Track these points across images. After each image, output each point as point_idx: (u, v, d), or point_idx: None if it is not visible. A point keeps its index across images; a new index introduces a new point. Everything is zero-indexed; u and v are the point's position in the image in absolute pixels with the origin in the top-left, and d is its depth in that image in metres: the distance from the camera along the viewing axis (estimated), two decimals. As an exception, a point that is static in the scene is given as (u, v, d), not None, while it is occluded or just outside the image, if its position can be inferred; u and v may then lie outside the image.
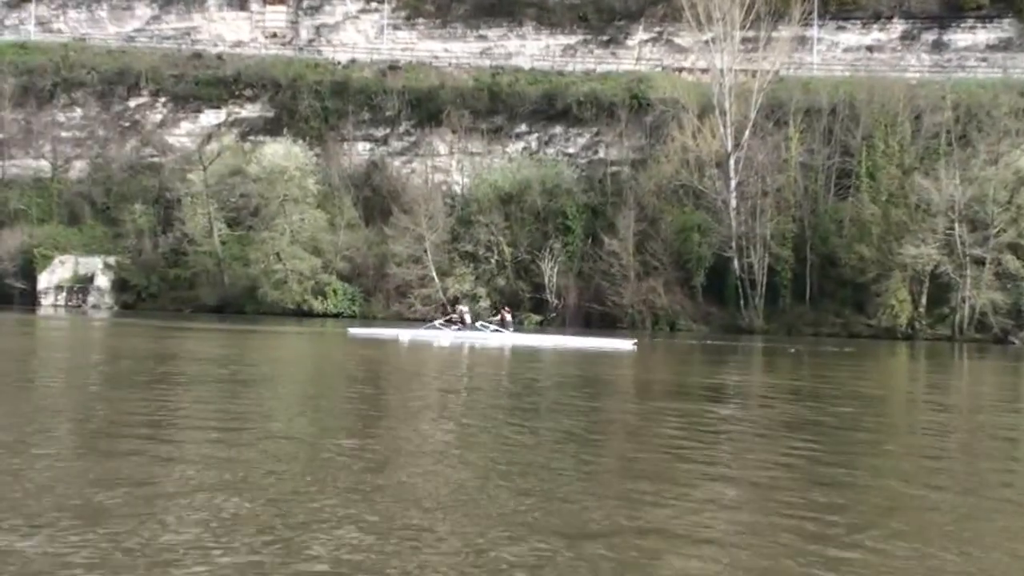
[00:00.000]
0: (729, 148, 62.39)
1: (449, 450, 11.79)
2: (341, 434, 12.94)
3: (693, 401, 18.94)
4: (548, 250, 63.44)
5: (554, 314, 63.69)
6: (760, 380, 26.90)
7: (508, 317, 41.82)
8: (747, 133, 62.17)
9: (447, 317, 42.65)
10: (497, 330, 39.53)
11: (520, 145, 72.65)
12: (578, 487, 9.50)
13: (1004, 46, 70.07)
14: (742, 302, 60.70)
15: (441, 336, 38.91)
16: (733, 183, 62.18)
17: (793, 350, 40.89)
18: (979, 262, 56.52)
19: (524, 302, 63.98)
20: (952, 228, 56.59)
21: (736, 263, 60.90)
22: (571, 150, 71.99)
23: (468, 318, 41.11)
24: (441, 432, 13.63)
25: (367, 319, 63.36)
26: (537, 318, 63.08)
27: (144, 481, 9.06)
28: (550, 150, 72.04)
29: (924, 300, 57.95)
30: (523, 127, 72.89)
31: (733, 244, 60.84)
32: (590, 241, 64.48)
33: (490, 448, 12.06)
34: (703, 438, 13.46)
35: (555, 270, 63.51)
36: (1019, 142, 58.33)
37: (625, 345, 36.36)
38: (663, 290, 61.11)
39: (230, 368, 23.68)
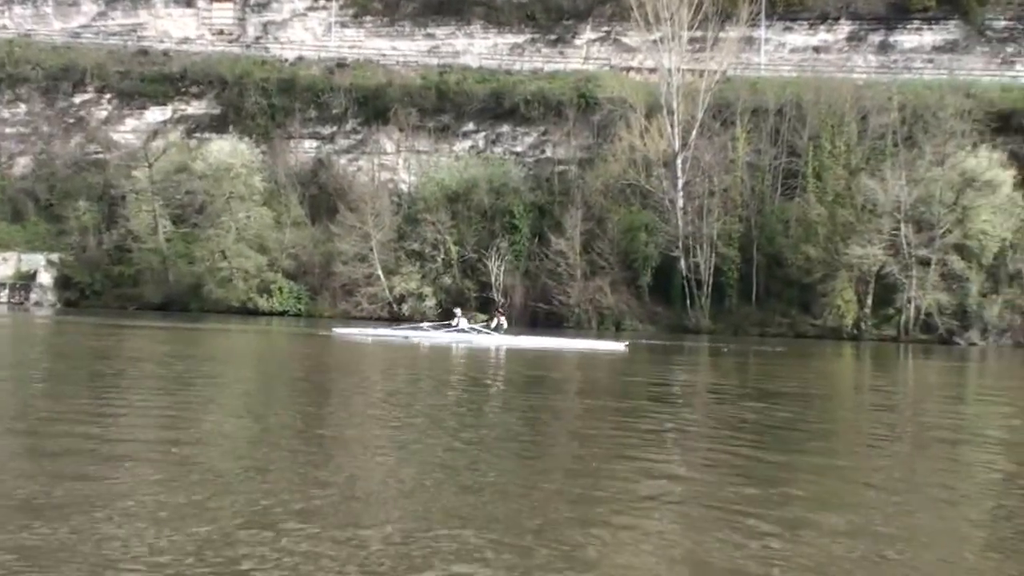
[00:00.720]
0: (676, 148, 62.23)
1: (400, 446, 11.93)
2: (293, 431, 13.09)
3: (659, 401, 19.27)
4: (495, 249, 63.08)
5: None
6: (726, 381, 27.05)
7: (503, 321, 41.38)
8: (694, 133, 61.99)
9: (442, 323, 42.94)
10: (488, 333, 39.24)
11: (467, 144, 72.23)
12: (520, 482, 9.69)
13: (950, 48, 70.19)
14: (688, 302, 60.49)
15: (433, 337, 39.08)
16: (680, 183, 62.05)
17: (726, 349, 41.52)
18: (925, 263, 56.50)
19: (470, 301, 63.20)
20: (898, 229, 56.70)
21: (683, 263, 60.70)
22: (518, 149, 71.66)
23: (464, 323, 40.88)
24: (390, 429, 13.80)
25: (313, 317, 63.34)
26: (483, 317, 61.28)
27: (83, 477, 9.07)
28: (497, 149, 71.62)
29: (870, 300, 57.90)
30: (470, 126, 72.45)
31: (680, 244, 60.69)
32: (537, 240, 64.32)
33: (440, 446, 12.11)
34: (648, 437, 13.83)
35: (502, 269, 63.07)
36: (965, 143, 58.20)
37: (618, 347, 36.37)
38: (609, 289, 60.97)
39: (192, 366, 23.61)
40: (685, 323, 59.13)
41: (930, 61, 70.35)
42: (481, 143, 72.22)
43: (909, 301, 56.92)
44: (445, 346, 37.22)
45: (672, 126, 62.35)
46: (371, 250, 64.71)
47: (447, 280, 65.13)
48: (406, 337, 38.92)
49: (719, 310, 59.75)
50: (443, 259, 65.27)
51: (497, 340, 38.32)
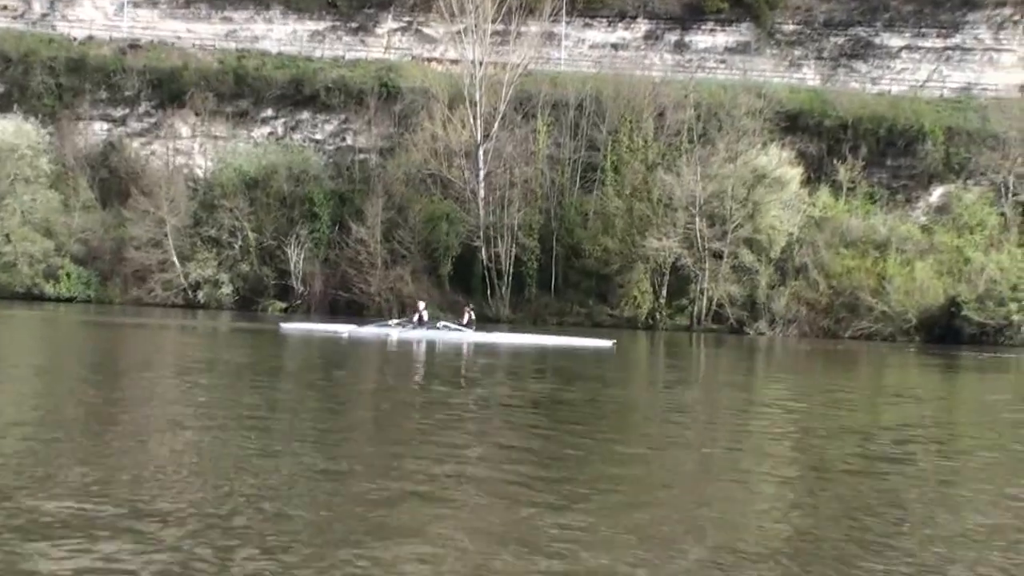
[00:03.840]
0: (478, 139, 62.40)
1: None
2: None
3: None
4: (294, 236, 62.15)
5: (299, 301, 62.85)
6: (517, 363, 27.62)
7: (472, 316, 40.06)
8: (496, 125, 62.30)
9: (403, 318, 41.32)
10: (457, 329, 37.81)
11: (266, 130, 70.97)
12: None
13: (742, 49, 72.48)
14: (489, 291, 60.88)
15: (392, 333, 37.43)
16: (482, 174, 62.39)
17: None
18: (717, 255, 57.99)
19: (268, 288, 63.42)
20: (692, 222, 57.80)
21: (484, 253, 61.09)
22: (318, 136, 70.82)
23: (426, 315, 39.17)
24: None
25: (103, 304, 61.68)
26: (282, 305, 62.43)
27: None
28: (297, 136, 70.62)
29: (665, 291, 59.23)
30: (269, 112, 71.15)
31: (481, 234, 61.11)
32: (337, 228, 63.68)
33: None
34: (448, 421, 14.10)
35: (301, 257, 62.37)
36: (756, 141, 60.11)
37: (604, 344, 35.78)
38: (410, 278, 60.62)
39: None
40: (486, 312, 58.71)
41: (723, 61, 72.62)
42: (280, 130, 71.05)
43: (702, 292, 58.41)
44: (408, 342, 35.70)
45: (474, 117, 62.40)
46: (165, 236, 63.18)
47: (245, 267, 64.08)
48: (387, 334, 37.22)
49: (519, 299, 60.36)
50: (241, 246, 64.02)
51: (469, 337, 37.06)
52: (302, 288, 63.03)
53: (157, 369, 21.75)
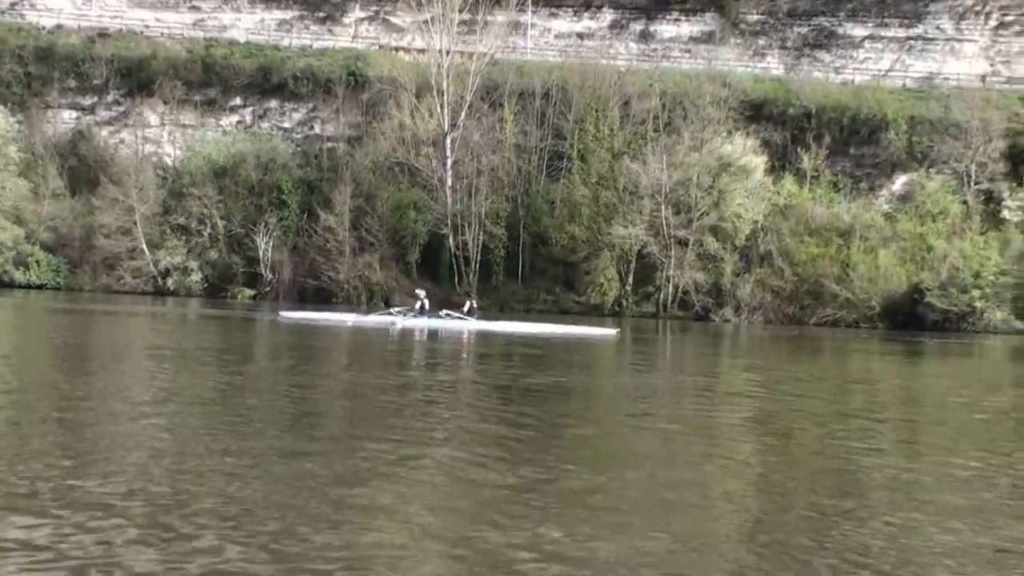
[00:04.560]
0: (446, 128, 62.62)
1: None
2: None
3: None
4: (263, 224, 62.45)
5: (268, 288, 63.05)
6: (488, 350, 28.05)
7: (473, 304, 39.42)
8: (463, 113, 62.61)
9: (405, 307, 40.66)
10: (460, 318, 37.17)
11: (235, 119, 71.00)
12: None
13: (707, 39, 72.97)
14: (456, 279, 60.94)
15: (396, 321, 37.03)
16: (449, 162, 62.63)
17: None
18: (683, 243, 58.16)
19: (237, 276, 63.50)
20: (658, 210, 58.07)
21: (451, 240, 61.40)
22: (287, 125, 70.86)
23: (427, 304, 38.72)
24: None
25: (73, 291, 61.32)
26: (251, 292, 62.67)
27: None
28: (265, 124, 70.66)
29: (631, 279, 59.49)
30: (238, 100, 71.24)
31: (448, 222, 61.34)
32: (306, 216, 63.86)
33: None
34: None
35: (270, 244, 62.63)
36: (720, 130, 60.44)
37: (608, 333, 35.71)
38: (379, 266, 61.02)
39: None
40: (453, 300, 59.26)
41: (688, 51, 73.00)
42: (249, 118, 71.09)
43: (668, 280, 58.64)
44: (410, 331, 35.03)
45: (442, 106, 62.50)
46: (135, 224, 63.22)
47: (214, 255, 64.34)
48: (392, 323, 36.67)
49: (486, 287, 60.18)
50: (210, 234, 64.44)
51: (472, 325, 36.47)
52: (271, 275, 63.23)
53: (135, 356, 21.71)
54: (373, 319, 37.71)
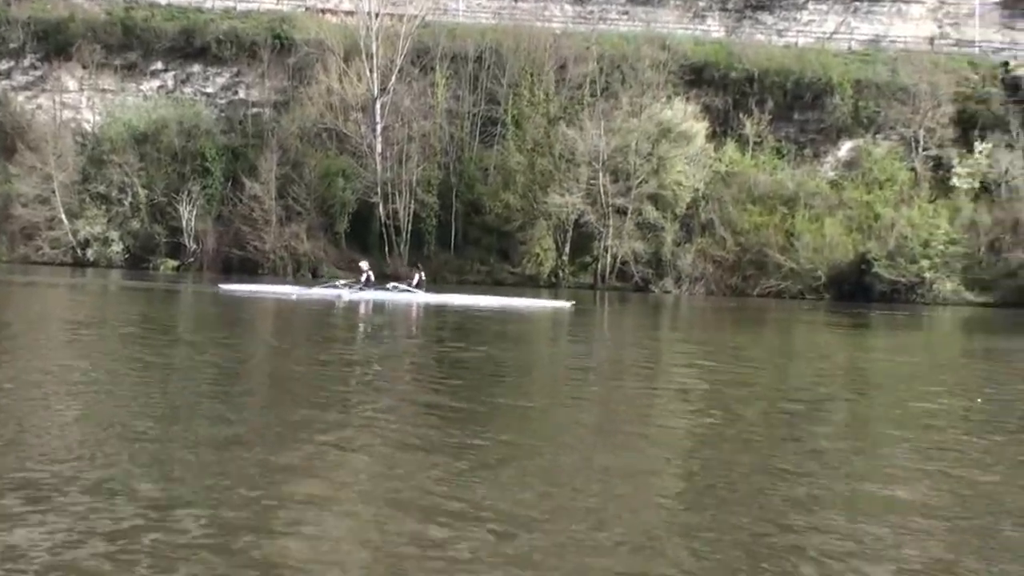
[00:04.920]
0: (375, 92, 61.11)
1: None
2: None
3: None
4: (186, 193, 60.66)
5: (192, 259, 61.77)
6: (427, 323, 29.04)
7: (422, 277, 38.87)
8: (393, 78, 60.87)
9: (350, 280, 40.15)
10: (408, 290, 36.78)
11: (156, 83, 68.52)
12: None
13: (644, 0, 71.05)
14: (387, 249, 59.91)
15: (342, 294, 36.62)
16: (379, 128, 61.18)
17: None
18: (621, 212, 57.17)
19: (160, 246, 62.09)
20: (596, 178, 57.20)
21: (381, 209, 60.14)
22: (210, 90, 68.40)
23: (372, 276, 38.16)
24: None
25: (-11, 262, 59.73)
26: (174, 263, 61.30)
27: None
28: (188, 89, 68.15)
29: (568, 249, 58.47)
30: (159, 64, 68.60)
31: (378, 190, 60.03)
32: (230, 184, 62.25)
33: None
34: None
35: (193, 214, 61.00)
36: (660, 95, 59.33)
37: (563, 305, 35.47)
38: (306, 236, 59.97)
39: None
40: (384, 270, 57.48)
41: (625, 13, 71.00)
42: (171, 83, 68.57)
43: (606, 250, 57.71)
44: (356, 303, 35.19)
45: (371, 70, 61.01)
46: (53, 192, 61.40)
47: (135, 224, 62.65)
48: (338, 296, 36.30)
49: (418, 257, 58.15)
50: (131, 203, 62.62)
51: (421, 298, 36.12)
52: (194, 246, 61.88)
53: (54, 331, 21.17)
54: (318, 292, 37.45)
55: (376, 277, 39.32)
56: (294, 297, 36.10)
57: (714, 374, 16.99)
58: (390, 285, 37.62)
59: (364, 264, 39.64)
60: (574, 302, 36.59)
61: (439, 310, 32.57)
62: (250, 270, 57.94)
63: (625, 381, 15.85)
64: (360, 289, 37.19)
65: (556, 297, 41.78)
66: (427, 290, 37.86)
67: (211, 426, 9.72)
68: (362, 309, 32.73)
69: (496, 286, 52.82)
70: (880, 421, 12.56)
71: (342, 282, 39.47)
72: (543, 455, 9.19)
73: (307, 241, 60.04)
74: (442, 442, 9.44)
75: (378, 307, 33.72)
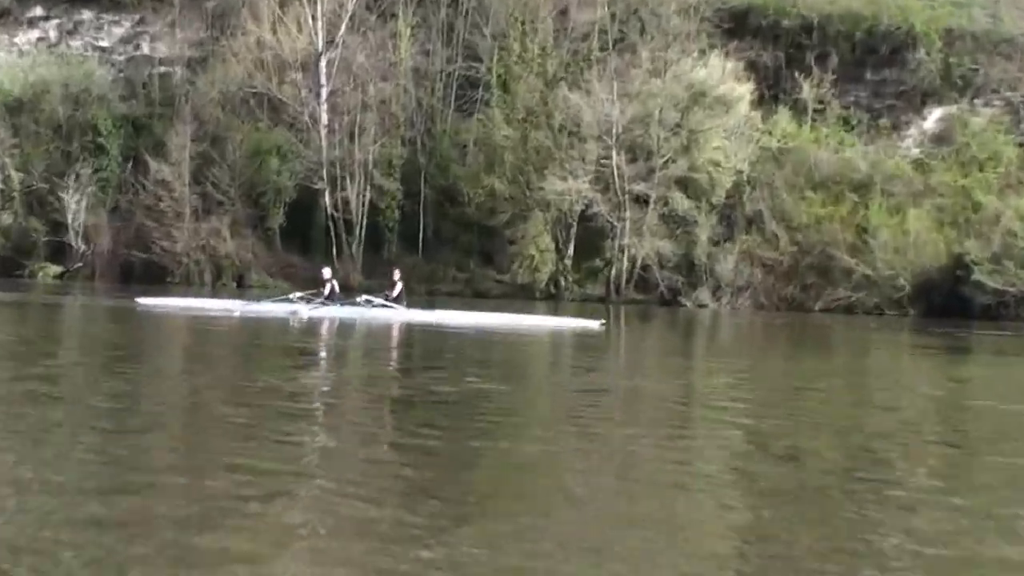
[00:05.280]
0: (320, 46, 54.91)
1: None
2: None
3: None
4: (73, 177, 54.36)
5: (80, 264, 55.76)
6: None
7: (402, 288, 33.19)
8: (343, 28, 54.97)
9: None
10: (384, 305, 31.68)
11: (34, 35, 63.00)
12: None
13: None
14: (335, 250, 53.45)
15: (298, 311, 32.04)
16: (325, 92, 54.93)
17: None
18: (642, 201, 50.76)
19: (39, 248, 56.15)
20: (608, 157, 50.77)
21: (327, 198, 54.02)
22: (105, 43, 62.51)
23: (336, 288, 33.69)
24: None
25: None
26: (57, 269, 55.69)
27: None
28: (76, 43, 62.61)
29: (571, 250, 52.28)
30: (38, 11, 63.05)
31: (324, 173, 53.91)
32: (131, 166, 56.12)
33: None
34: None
35: (83, 204, 54.75)
36: (691, 48, 52.48)
37: (591, 324, 30.43)
38: (229, 233, 54.00)
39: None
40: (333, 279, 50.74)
41: (646, -58, 65.47)
42: (53, 34, 63.05)
43: (622, 251, 51.08)
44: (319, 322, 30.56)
45: (314, 17, 54.99)
46: (-101, 176, 56.93)
47: (6, 219, 57.01)
48: (294, 313, 31.69)
49: (375, 261, 52.04)
50: (2, 190, 57.60)
51: (401, 315, 31.07)
52: (84, 247, 55.69)
53: None
54: (267, 307, 33.60)
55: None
56: (236, 314, 31.87)
57: (767, 420, 13.69)
58: (361, 299, 32.84)
59: (327, 272, 34.89)
60: (603, 320, 31.35)
61: (431, 332, 28.31)
62: (156, 278, 52.12)
63: (653, 424, 13.21)
64: (321, 304, 32.70)
65: (557, 312, 38.52)
66: (408, 305, 32.93)
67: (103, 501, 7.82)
68: (324, 330, 28.90)
69: (476, 298, 47.15)
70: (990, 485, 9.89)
71: (298, 295, 34.52)
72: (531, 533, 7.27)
73: (231, 240, 53.97)
74: (411, 506, 7.84)
75: (346, 328, 29.46)
